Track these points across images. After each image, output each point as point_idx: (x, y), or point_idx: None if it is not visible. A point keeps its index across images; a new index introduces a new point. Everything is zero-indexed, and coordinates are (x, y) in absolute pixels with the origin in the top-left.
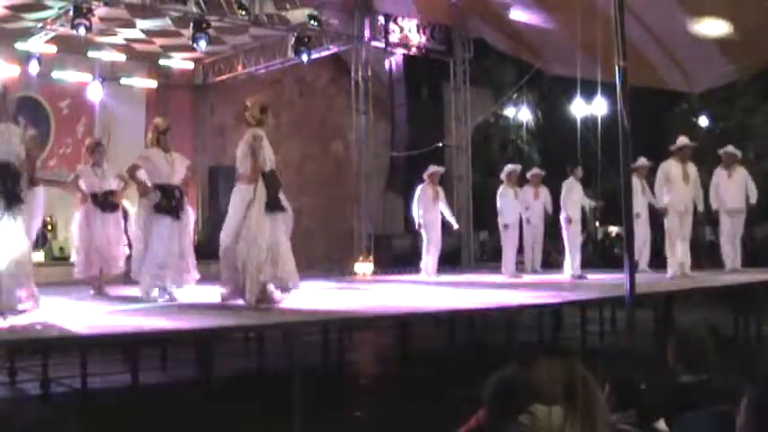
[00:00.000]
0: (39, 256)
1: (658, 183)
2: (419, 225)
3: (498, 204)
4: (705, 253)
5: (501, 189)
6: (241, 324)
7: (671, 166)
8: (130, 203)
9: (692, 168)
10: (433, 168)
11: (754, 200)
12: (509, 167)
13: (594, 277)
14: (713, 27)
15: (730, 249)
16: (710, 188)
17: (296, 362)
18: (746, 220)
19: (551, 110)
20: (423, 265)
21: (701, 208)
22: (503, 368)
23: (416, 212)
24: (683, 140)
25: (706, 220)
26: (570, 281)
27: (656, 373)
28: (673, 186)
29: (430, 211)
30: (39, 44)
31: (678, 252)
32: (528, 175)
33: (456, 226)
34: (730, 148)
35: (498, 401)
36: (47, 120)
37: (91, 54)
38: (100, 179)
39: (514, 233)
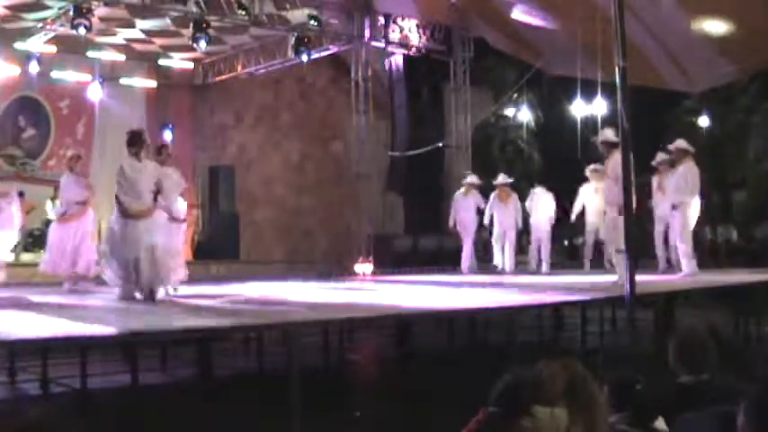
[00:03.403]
0: (37, 257)
1: None
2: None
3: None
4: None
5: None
6: (241, 324)
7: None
8: None
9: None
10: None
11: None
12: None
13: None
14: (713, 27)
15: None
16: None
17: (295, 362)
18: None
19: (551, 110)
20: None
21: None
22: (506, 373)
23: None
24: (602, 134)
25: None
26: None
27: (656, 373)
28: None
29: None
30: (39, 44)
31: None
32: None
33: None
34: (681, 143)
35: (500, 405)
36: (47, 120)
37: (91, 54)
38: (83, 189)
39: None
